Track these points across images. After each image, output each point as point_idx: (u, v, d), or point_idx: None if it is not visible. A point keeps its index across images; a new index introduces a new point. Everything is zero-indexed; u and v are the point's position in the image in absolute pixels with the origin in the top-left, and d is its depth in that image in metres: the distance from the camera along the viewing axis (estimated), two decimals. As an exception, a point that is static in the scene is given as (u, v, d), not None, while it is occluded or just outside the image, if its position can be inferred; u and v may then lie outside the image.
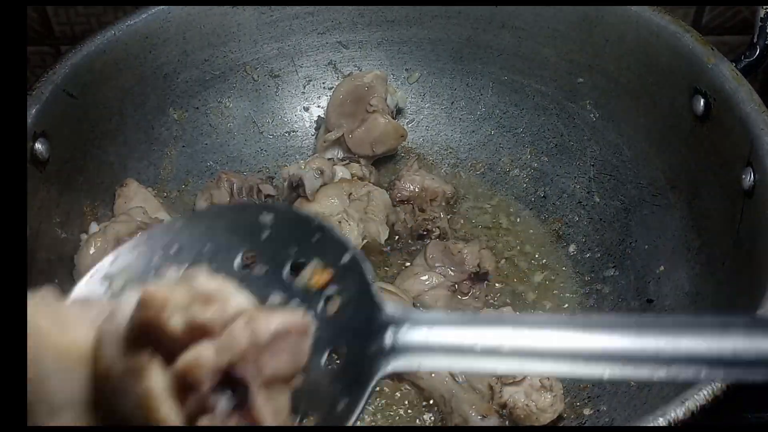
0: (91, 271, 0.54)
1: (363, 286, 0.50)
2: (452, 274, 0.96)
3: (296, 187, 0.96)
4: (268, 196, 1.00)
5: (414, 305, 0.93)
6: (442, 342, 0.47)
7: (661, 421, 0.61)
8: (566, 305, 0.96)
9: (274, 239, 0.53)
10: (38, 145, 0.84)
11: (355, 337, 0.50)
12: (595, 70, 1.02)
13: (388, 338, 0.48)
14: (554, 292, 0.97)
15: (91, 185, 0.95)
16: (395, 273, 0.98)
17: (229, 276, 0.46)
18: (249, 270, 0.53)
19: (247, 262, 0.53)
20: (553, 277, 0.99)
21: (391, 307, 0.49)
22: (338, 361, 0.51)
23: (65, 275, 0.87)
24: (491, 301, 0.96)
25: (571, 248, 1.01)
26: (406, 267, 0.98)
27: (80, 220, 0.92)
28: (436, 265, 0.96)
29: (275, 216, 0.54)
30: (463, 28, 1.08)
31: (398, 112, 1.12)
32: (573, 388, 0.87)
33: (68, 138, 0.90)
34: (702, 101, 0.87)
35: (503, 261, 1.00)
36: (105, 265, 0.54)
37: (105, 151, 0.97)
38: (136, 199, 0.98)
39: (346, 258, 0.51)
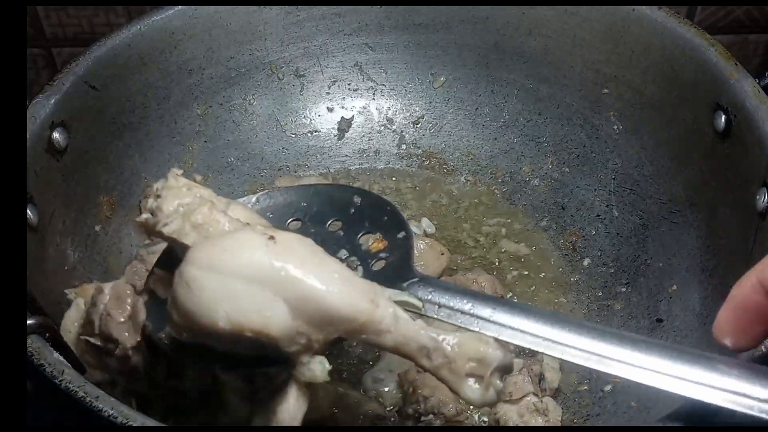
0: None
1: (404, 259, 0.67)
2: None
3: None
4: None
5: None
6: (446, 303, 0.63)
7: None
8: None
9: (356, 214, 0.73)
10: (56, 135, 0.86)
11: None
12: (621, 81, 0.99)
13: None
14: (564, 305, 0.95)
15: (110, 175, 0.96)
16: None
17: (319, 233, 0.71)
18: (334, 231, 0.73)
19: (332, 229, 0.73)
20: (564, 291, 0.97)
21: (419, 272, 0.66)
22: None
23: (77, 262, 0.89)
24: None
25: (586, 262, 0.99)
26: None
27: (96, 210, 0.94)
28: None
29: (362, 199, 0.74)
30: (490, 34, 1.07)
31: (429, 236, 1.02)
32: (573, 405, 0.85)
33: (89, 129, 0.92)
34: (723, 117, 0.84)
35: (515, 273, 0.99)
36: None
37: (126, 143, 0.98)
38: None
39: (400, 234, 0.69)
